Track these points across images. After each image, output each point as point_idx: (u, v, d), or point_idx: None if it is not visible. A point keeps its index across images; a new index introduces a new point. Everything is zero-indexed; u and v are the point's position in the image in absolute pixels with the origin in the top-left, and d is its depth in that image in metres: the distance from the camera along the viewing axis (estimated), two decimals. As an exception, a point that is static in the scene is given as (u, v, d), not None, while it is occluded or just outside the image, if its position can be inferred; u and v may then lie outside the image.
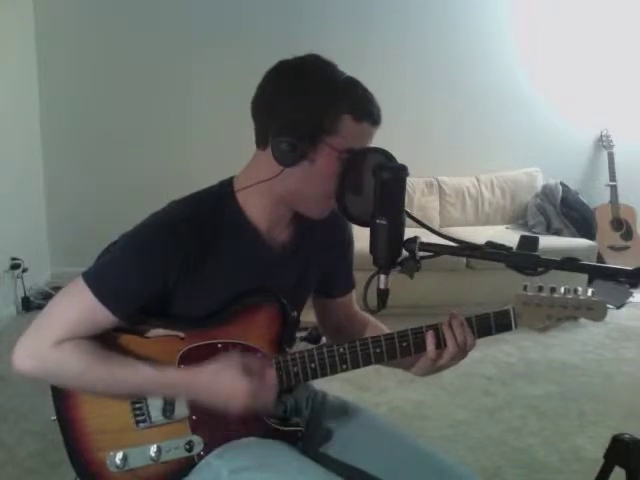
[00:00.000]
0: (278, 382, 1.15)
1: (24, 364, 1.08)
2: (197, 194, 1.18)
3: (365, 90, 1.11)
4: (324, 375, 1.17)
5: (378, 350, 1.15)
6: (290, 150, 1.06)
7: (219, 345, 1.15)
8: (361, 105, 1.08)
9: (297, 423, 1.22)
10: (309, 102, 1.06)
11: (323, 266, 1.29)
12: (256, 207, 1.16)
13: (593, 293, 1.08)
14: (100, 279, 1.10)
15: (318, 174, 1.08)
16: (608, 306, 1.07)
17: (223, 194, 1.17)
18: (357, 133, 1.08)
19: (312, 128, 1.06)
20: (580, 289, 1.10)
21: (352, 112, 1.07)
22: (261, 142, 1.13)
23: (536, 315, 1.13)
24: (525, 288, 1.13)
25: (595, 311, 1.09)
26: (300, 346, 1.21)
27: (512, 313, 1.14)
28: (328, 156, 1.07)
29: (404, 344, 1.15)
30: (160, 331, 1.15)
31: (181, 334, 1.14)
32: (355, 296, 1.40)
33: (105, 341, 1.12)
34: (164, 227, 1.11)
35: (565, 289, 1.11)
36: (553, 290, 1.11)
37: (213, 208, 1.15)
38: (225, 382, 1.08)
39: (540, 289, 1.12)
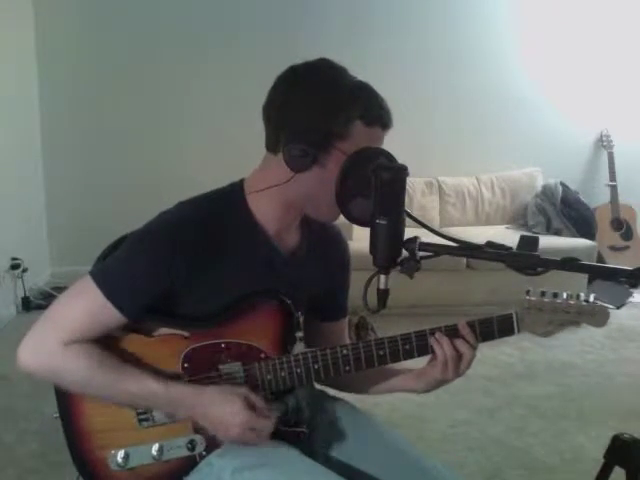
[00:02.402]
0: (281, 383, 1.15)
1: (29, 362, 1.08)
2: (207, 195, 1.18)
3: (376, 94, 1.11)
4: (327, 376, 1.17)
5: (381, 352, 1.15)
6: (302, 156, 1.06)
7: (223, 345, 1.15)
8: (372, 110, 1.09)
9: (299, 423, 1.22)
10: (321, 108, 1.07)
11: (324, 277, 1.29)
12: (266, 210, 1.17)
13: (596, 299, 1.08)
14: (108, 278, 1.10)
15: (330, 179, 1.08)
16: (608, 306, 1.07)
17: (233, 196, 1.18)
18: (368, 138, 1.09)
19: (324, 134, 1.06)
20: (582, 294, 1.09)
21: (363, 117, 1.08)
22: (273, 146, 1.13)
23: (538, 320, 1.12)
24: (528, 293, 1.13)
25: (597, 317, 1.08)
26: (301, 346, 1.21)
27: (515, 318, 1.13)
28: (339, 161, 1.07)
29: (407, 347, 1.15)
30: (165, 330, 1.15)
31: (185, 333, 1.15)
32: (347, 322, 1.40)
33: (110, 340, 1.12)
34: (173, 227, 1.11)
35: (568, 294, 1.10)
36: (556, 295, 1.11)
37: (223, 209, 1.15)
38: (226, 409, 1.09)
39: (543, 294, 1.12)
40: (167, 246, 1.09)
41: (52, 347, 1.07)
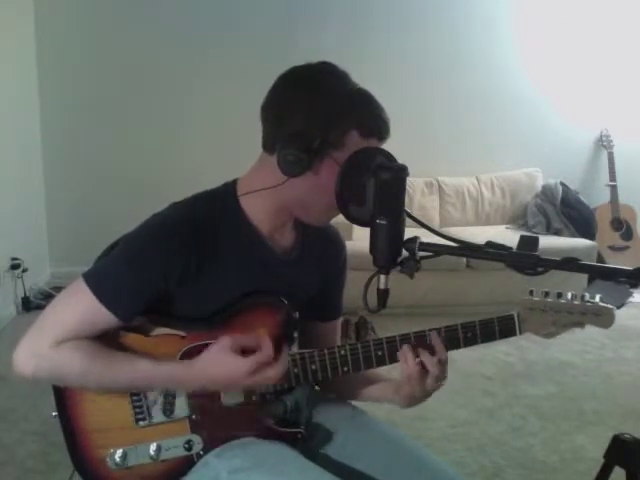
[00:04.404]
0: (278, 383, 1.15)
1: (26, 366, 1.08)
2: (200, 195, 1.18)
3: (376, 104, 1.11)
4: (325, 377, 1.17)
5: (380, 353, 1.14)
6: (296, 161, 1.06)
7: None
8: (369, 121, 1.09)
9: (297, 423, 1.21)
10: (318, 115, 1.07)
11: (320, 278, 1.29)
12: (258, 211, 1.17)
13: (601, 299, 1.05)
14: (101, 280, 1.10)
15: (321, 186, 1.08)
16: (608, 306, 1.06)
17: (226, 196, 1.18)
18: None
19: (319, 142, 1.06)
20: (587, 295, 1.07)
21: (360, 128, 1.08)
22: (268, 147, 1.13)
23: (541, 321, 1.10)
24: (531, 293, 1.10)
25: (603, 317, 1.06)
26: (294, 347, 1.21)
27: (516, 318, 1.12)
28: (332, 169, 1.07)
29: None
30: (161, 330, 1.15)
31: (182, 333, 1.15)
32: (340, 324, 1.40)
33: (106, 340, 1.12)
34: (166, 227, 1.11)
35: (572, 295, 1.08)
36: (560, 295, 1.08)
37: (215, 209, 1.15)
38: (221, 365, 1.07)
39: (546, 294, 1.09)
40: (161, 247, 1.09)
41: (46, 350, 1.07)
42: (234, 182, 1.20)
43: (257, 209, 1.17)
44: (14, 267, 3.88)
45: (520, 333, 1.12)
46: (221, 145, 4.48)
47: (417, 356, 1.12)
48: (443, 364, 1.13)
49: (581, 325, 1.09)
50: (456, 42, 4.67)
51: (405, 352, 1.13)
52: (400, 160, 1.04)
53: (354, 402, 1.33)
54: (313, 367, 1.15)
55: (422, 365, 1.12)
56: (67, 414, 1.16)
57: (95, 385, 1.12)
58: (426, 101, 4.73)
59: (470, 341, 1.13)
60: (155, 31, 4.45)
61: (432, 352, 1.12)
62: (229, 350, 1.07)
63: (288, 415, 1.21)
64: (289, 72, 1.13)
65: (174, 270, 1.09)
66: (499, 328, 1.13)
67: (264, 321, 1.17)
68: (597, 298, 1.06)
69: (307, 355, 1.15)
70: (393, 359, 1.15)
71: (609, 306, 1.05)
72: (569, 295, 1.08)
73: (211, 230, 1.13)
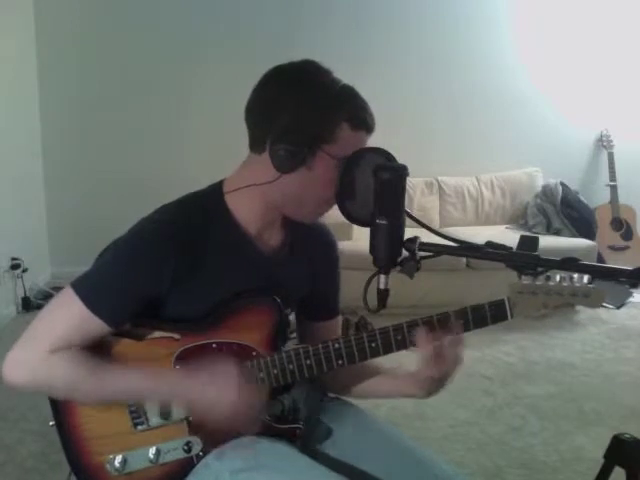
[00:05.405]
0: (274, 380, 1.15)
1: (14, 376, 1.07)
2: (186, 197, 1.19)
3: (361, 98, 1.12)
4: (320, 371, 1.16)
5: (374, 344, 1.13)
6: (288, 157, 1.06)
7: (214, 345, 1.15)
8: (358, 114, 1.10)
9: (295, 420, 1.21)
10: (309, 111, 1.07)
11: (310, 276, 1.29)
12: (246, 210, 1.17)
13: (589, 280, 1.06)
14: (90, 288, 1.09)
15: (315, 181, 1.09)
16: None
17: (212, 196, 1.18)
18: (353, 141, 1.09)
19: (311, 136, 1.07)
20: (576, 276, 1.07)
21: (350, 121, 1.08)
22: (256, 146, 1.13)
23: (532, 303, 1.09)
24: (520, 277, 1.10)
25: (591, 298, 1.06)
26: (290, 345, 1.21)
27: (507, 303, 1.11)
28: (325, 163, 1.08)
29: (399, 337, 1.13)
30: (154, 333, 1.15)
31: (176, 335, 1.14)
32: (341, 322, 1.39)
33: (99, 345, 1.11)
34: (154, 231, 1.11)
35: (560, 276, 1.08)
36: (548, 278, 1.08)
37: (202, 210, 1.15)
38: (218, 384, 1.08)
39: (535, 277, 1.10)
40: (149, 250, 1.09)
41: (35, 360, 1.06)
42: (220, 182, 1.20)
43: (245, 209, 1.17)
44: (14, 267, 3.88)
45: (512, 317, 1.11)
46: (221, 145, 4.46)
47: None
48: (459, 344, 1.10)
49: (571, 305, 1.09)
50: (456, 42, 4.67)
51: (420, 335, 1.10)
52: (400, 160, 1.04)
53: (360, 400, 1.33)
54: (308, 362, 1.15)
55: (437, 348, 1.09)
56: (64, 423, 1.15)
57: (85, 398, 1.11)
58: (426, 101, 4.72)
59: (463, 328, 1.12)
60: (155, 31, 4.46)
61: (450, 331, 1.10)
62: (235, 376, 1.08)
63: (286, 414, 1.21)
64: (273, 71, 1.14)
65: (164, 273, 1.09)
66: (490, 313, 1.12)
67: (256, 320, 1.17)
68: (585, 279, 1.05)
69: (302, 350, 1.15)
70: (387, 350, 1.13)
71: (597, 286, 1.05)
72: (557, 277, 1.08)
73: (200, 232, 1.13)
